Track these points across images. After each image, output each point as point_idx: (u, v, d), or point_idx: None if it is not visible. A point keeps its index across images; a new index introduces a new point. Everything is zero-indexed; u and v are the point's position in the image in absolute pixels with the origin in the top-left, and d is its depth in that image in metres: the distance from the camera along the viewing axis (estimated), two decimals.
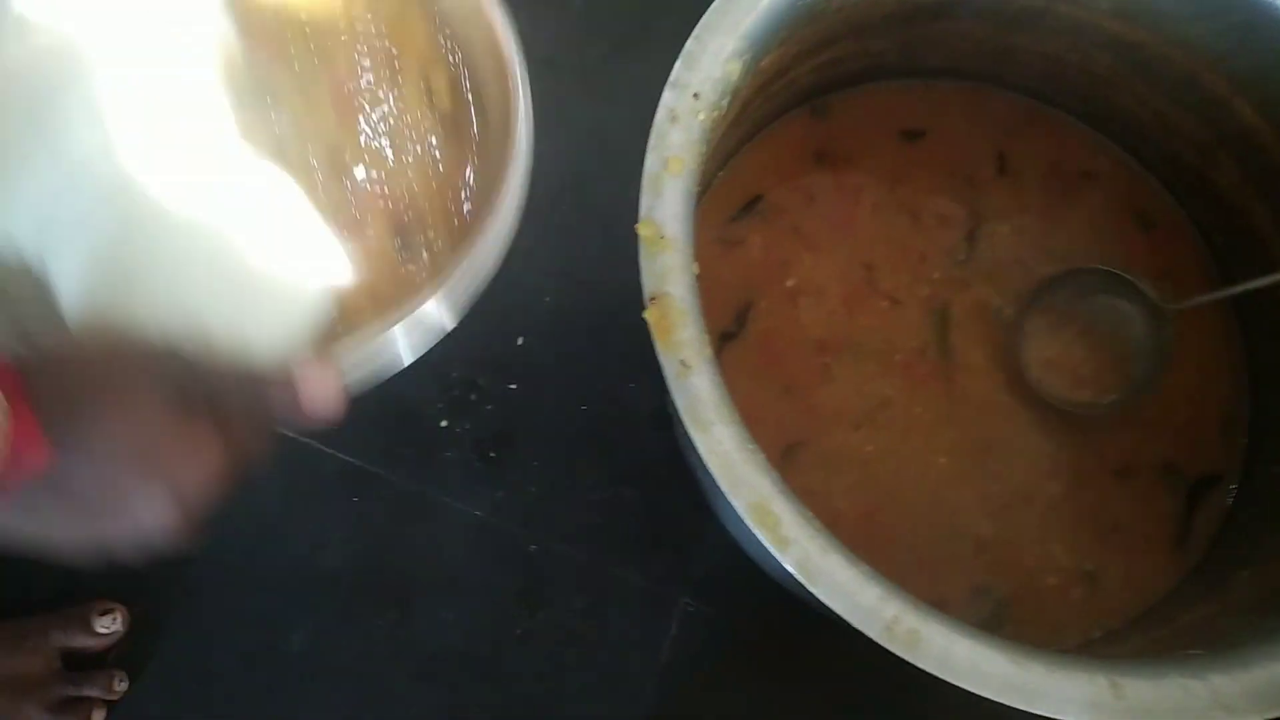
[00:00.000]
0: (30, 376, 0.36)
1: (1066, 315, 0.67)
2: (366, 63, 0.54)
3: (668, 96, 0.51)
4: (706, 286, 0.49)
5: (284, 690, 0.67)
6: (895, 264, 0.68)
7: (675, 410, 0.47)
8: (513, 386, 0.70)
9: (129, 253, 0.42)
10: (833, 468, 0.64)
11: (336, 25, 0.54)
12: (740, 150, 0.70)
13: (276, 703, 0.67)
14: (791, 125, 0.71)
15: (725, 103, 0.54)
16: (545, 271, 0.71)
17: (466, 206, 0.54)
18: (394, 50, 0.55)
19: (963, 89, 0.73)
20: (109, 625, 0.69)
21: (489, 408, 0.69)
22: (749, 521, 0.45)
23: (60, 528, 0.37)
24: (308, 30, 0.53)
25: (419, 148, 0.54)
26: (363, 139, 0.53)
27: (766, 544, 0.45)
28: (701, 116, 0.51)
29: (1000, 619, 0.62)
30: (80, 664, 0.70)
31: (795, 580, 0.45)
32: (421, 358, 0.49)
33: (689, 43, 0.51)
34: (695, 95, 0.51)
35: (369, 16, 0.54)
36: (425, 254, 0.53)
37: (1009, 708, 0.43)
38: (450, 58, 0.56)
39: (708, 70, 0.51)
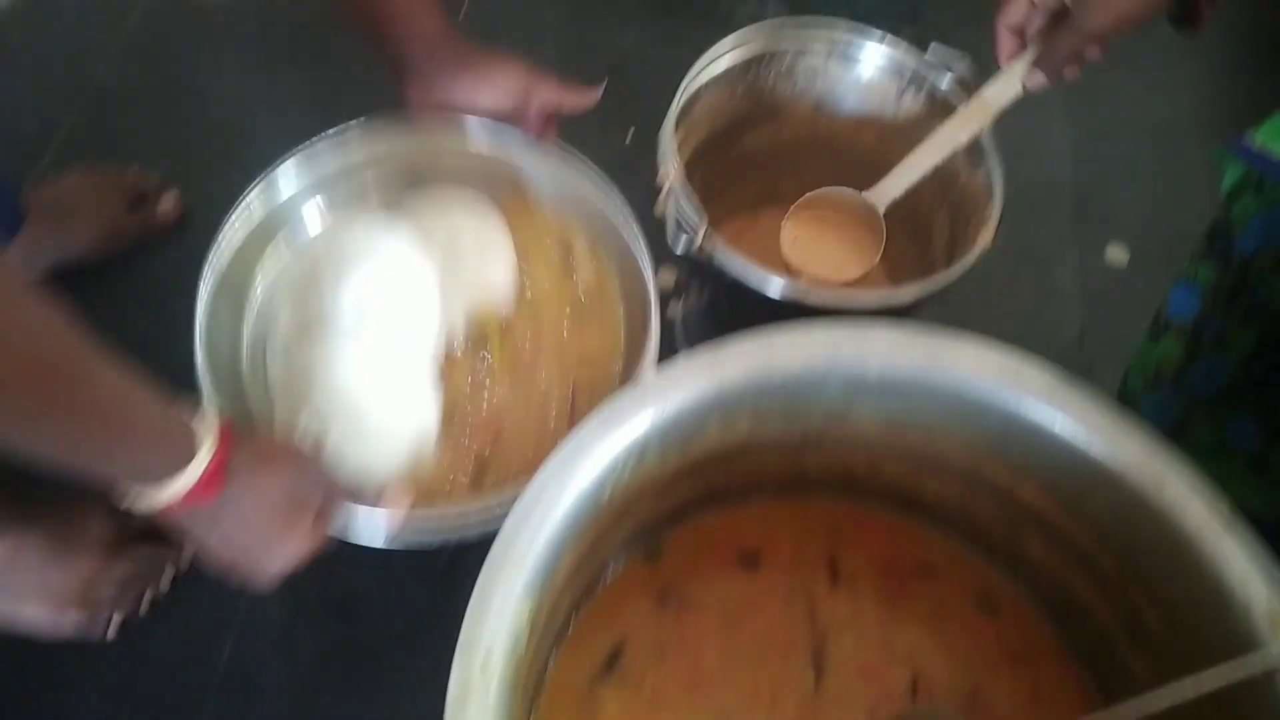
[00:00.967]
0: (236, 438, 0.57)
1: None
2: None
3: (457, 666, 0.49)
4: None
5: None
6: (749, 712, 0.66)
7: None
8: None
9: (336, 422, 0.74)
10: None
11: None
12: (593, 593, 0.69)
13: None
14: (630, 570, 0.71)
15: (524, 639, 0.53)
16: None
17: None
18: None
19: (779, 503, 0.74)
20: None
21: None
22: None
23: (206, 547, 0.59)
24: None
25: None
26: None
27: None
28: (496, 684, 0.49)
29: None
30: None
31: None
32: None
33: (472, 603, 0.51)
34: (484, 663, 0.49)
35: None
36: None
37: None
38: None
39: (497, 622, 0.51)
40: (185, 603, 0.87)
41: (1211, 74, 1.29)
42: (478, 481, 0.76)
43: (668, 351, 0.70)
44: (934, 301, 0.77)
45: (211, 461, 0.55)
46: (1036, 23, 0.75)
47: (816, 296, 0.75)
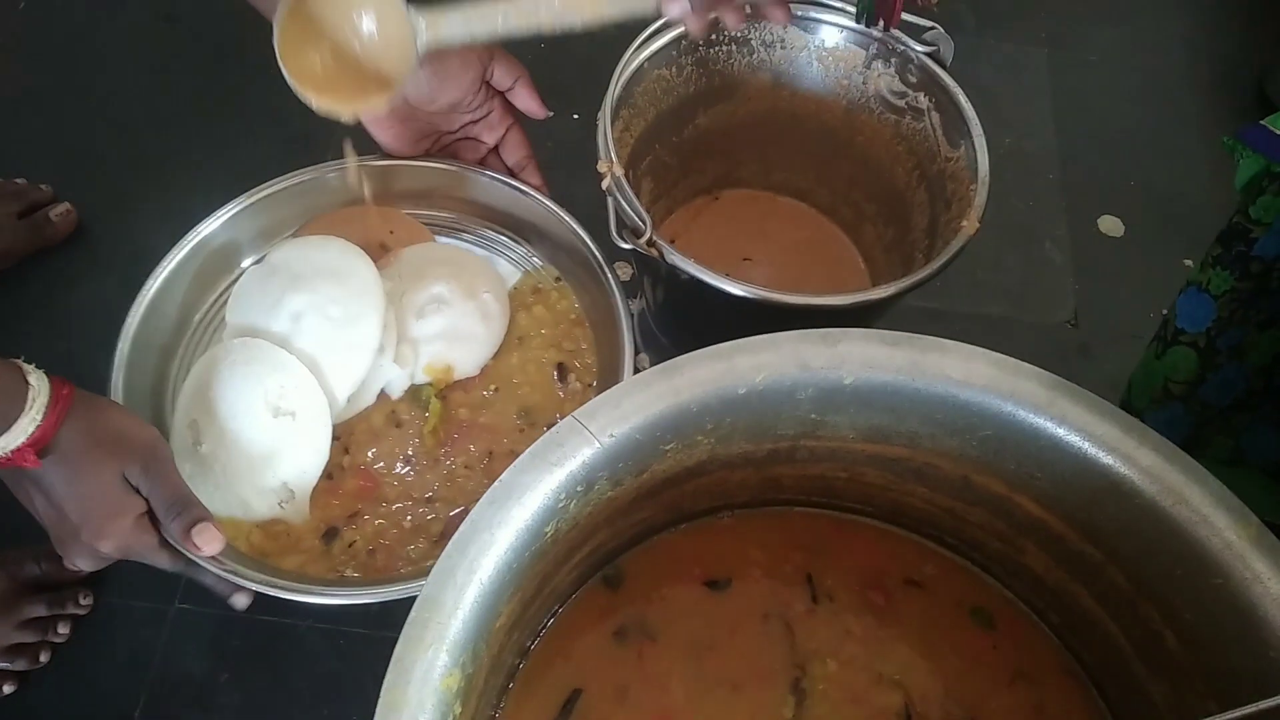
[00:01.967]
0: (76, 410, 0.58)
1: None
2: None
3: None
4: None
5: None
6: None
7: None
8: None
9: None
10: None
11: None
12: (543, 631, 0.62)
13: None
14: (588, 602, 0.64)
15: (455, 712, 0.46)
16: None
17: None
18: None
19: (752, 517, 0.68)
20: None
21: None
22: None
23: (33, 507, 0.61)
24: None
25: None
26: None
27: None
28: None
29: None
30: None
31: None
32: None
33: (387, 681, 0.44)
34: None
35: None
36: None
37: None
38: None
39: (419, 702, 0.44)
40: (94, 650, 0.81)
41: (1200, 25, 1.22)
42: (327, 549, 0.71)
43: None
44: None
45: (38, 428, 0.56)
46: None
47: (782, 295, 0.68)
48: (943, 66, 0.76)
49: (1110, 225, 1.05)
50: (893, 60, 0.80)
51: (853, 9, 0.77)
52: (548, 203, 0.77)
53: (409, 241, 0.80)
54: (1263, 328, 0.65)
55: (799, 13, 0.79)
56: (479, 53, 0.73)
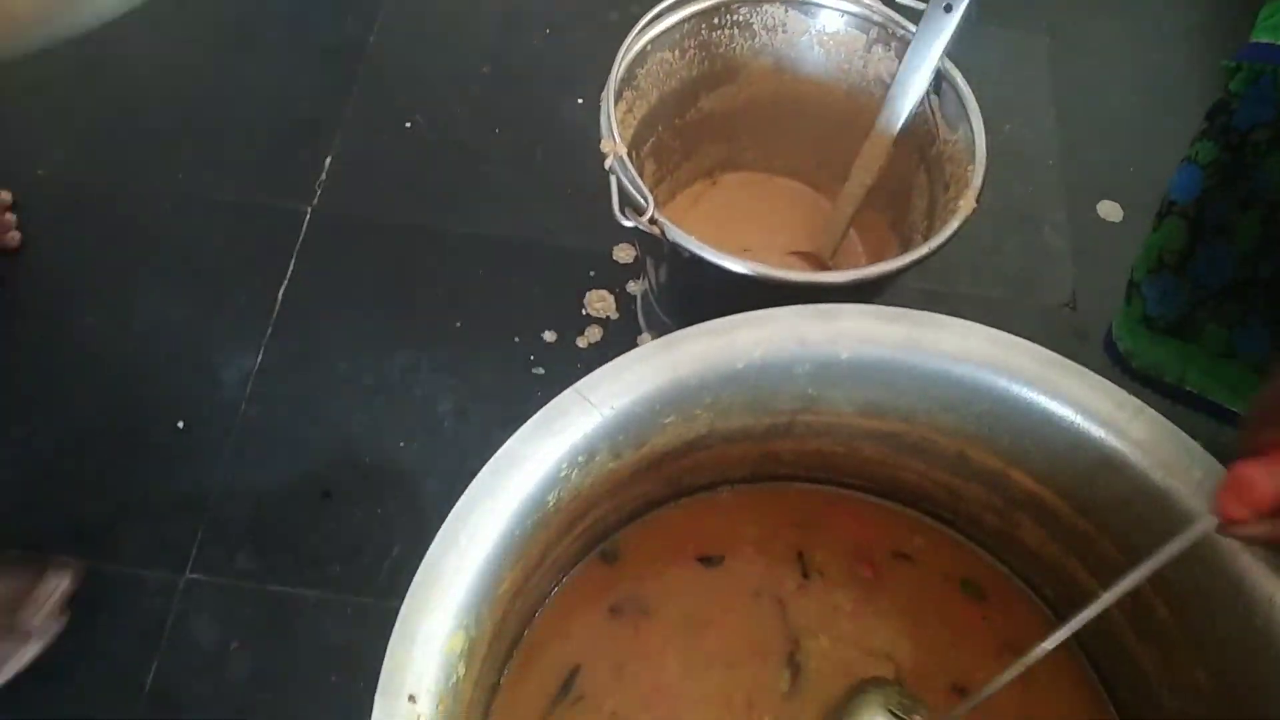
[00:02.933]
0: None
1: None
2: None
3: (378, 708, 0.43)
4: None
5: None
6: None
7: None
8: None
9: None
10: None
11: None
12: (541, 608, 0.63)
13: None
14: (586, 576, 0.65)
15: (459, 673, 0.47)
16: None
17: None
18: None
19: (749, 492, 0.68)
20: (57, 580, 0.75)
21: None
22: None
23: None
24: None
25: None
26: None
27: None
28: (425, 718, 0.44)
29: None
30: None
31: None
32: None
33: (392, 642, 0.45)
34: (412, 697, 0.44)
35: None
36: None
37: None
38: None
39: (423, 661, 0.45)
40: (106, 620, 0.81)
41: (1200, 22, 1.22)
42: None
43: (631, 330, 0.65)
44: (916, 270, 0.71)
45: None
46: None
47: (784, 273, 0.68)
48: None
49: (1109, 210, 1.06)
50: (893, 44, 0.81)
51: None
52: None
53: None
54: (1244, 206, 0.67)
55: None
56: None
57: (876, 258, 0.90)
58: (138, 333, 0.79)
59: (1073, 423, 0.53)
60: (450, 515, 0.48)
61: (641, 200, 0.69)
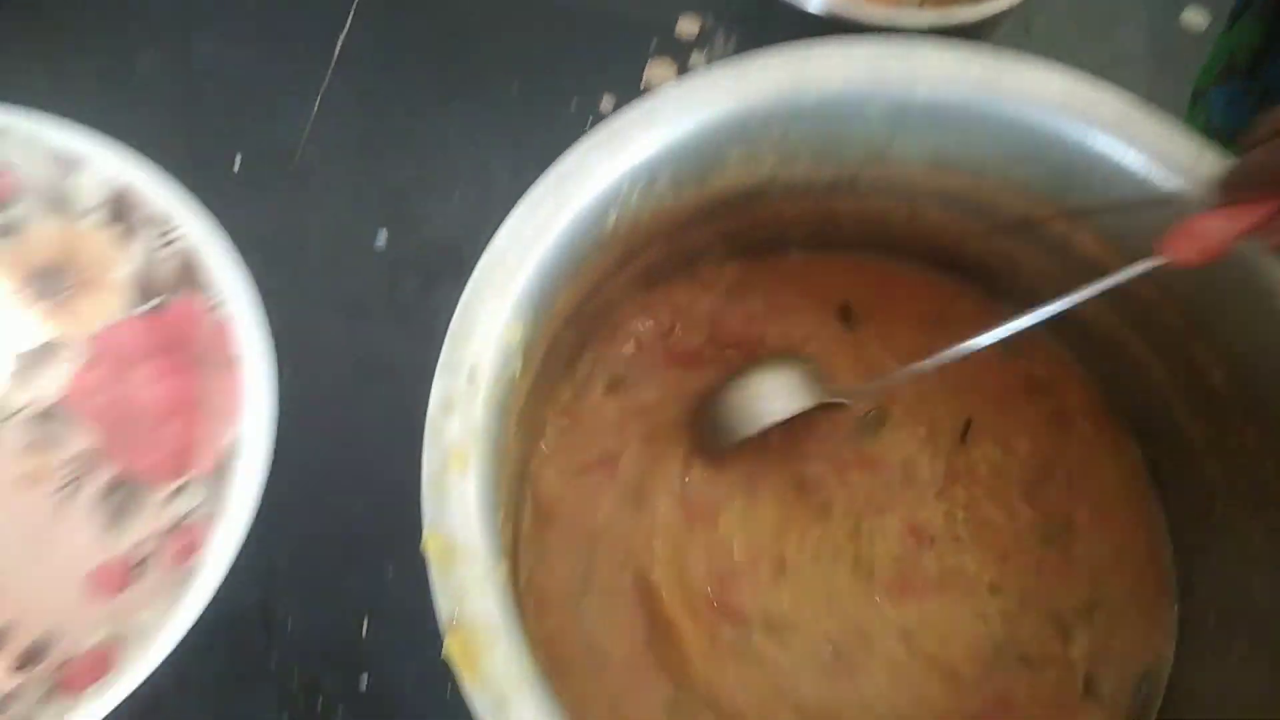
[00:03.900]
0: None
1: None
2: None
3: (439, 384, 0.45)
4: None
5: None
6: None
7: None
8: (365, 679, 0.62)
9: None
10: None
11: None
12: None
13: None
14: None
15: (517, 366, 0.48)
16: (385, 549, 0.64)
17: None
18: None
19: (811, 256, 0.68)
20: None
21: (341, 709, 0.61)
22: None
23: None
24: None
25: None
26: None
27: None
28: (483, 396, 0.45)
29: None
30: None
31: None
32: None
33: (457, 315, 0.46)
34: (471, 376, 0.45)
35: None
36: None
37: None
38: None
39: (482, 343, 0.46)
40: None
41: None
42: None
43: None
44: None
45: None
46: None
47: (864, 14, 0.66)
48: None
49: (1194, 18, 1.01)
50: None
51: None
52: None
53: None
54: None
55: None
56: None
57: None
58: (197, 71, 0.78)
59: (1147, 173, 0.52)
60: (516, 212, 0.48)
61: None
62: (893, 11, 0.66)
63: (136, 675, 0.47)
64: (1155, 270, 0.55)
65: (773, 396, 0.59)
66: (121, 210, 0.58)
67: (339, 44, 0.80)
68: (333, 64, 0.80)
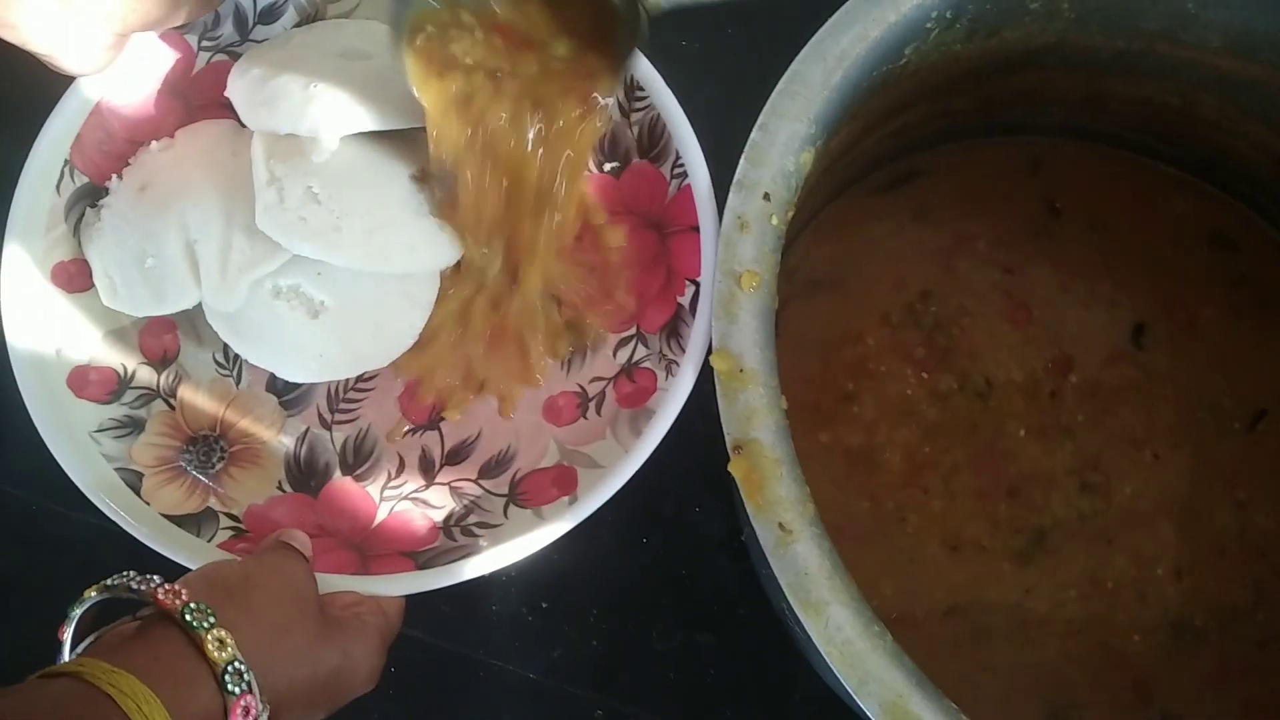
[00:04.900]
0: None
1: None
2: None
3: (734, 200, 0.42)
4: None
5: None
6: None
7: (776, 585, 0.38)
8: None
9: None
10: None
11: None
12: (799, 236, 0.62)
13: None
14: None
15: (796, 200, 0.45)
16: None
17: None
18: None
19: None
20: None
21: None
22: None
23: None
24: None
25: None
26: None
27: None
28: (775, 220, 0.42)
29: None
30: None
31: None
32: None
33: (755, 133, 0.43)
34: (766, 196, 0.42)
35: None
36: None
37: None
38: None
39: (778, 164, 0.43)
40: None
41: None
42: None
43: None
44: None
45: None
46: None
47: None
48: None
49: None
50: None
51: None
52: None
53: None
54: None
55: None
56: None
57: None
58: None
59: None
60: (821, 34, 0.45)
61: None
62: None
63: (588, 505, 0.47)
64: None
65: None
66: None
67: None
68: None
